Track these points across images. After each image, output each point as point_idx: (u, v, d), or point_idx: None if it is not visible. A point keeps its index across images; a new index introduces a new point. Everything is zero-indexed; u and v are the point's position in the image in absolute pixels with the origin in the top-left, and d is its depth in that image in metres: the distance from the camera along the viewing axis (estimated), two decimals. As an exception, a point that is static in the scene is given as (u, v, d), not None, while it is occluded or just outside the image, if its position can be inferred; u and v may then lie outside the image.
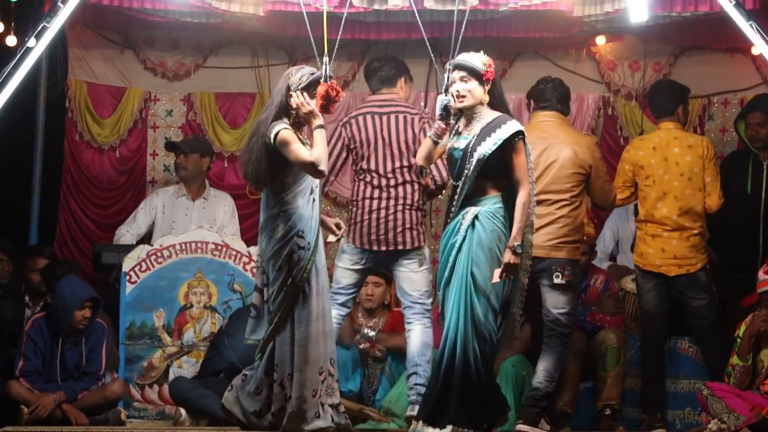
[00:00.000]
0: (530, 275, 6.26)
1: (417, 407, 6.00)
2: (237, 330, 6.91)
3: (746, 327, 6.47)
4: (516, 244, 5.50)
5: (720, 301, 6.97)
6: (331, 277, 6.29)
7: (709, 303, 6.83)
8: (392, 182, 6.30)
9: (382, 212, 6.27)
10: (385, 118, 6.37)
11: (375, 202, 6.28)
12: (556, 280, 6.37)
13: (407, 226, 6.27)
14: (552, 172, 6.41)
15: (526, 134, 5.67)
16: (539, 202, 6.26)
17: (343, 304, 6.39)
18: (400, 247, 6.29)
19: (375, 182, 6.31)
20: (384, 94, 6.49)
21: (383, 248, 6.30)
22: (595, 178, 6.54)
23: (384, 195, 6.28)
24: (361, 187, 6.35)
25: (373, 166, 6.32)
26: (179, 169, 8.09)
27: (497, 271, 5.49)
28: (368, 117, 6.40)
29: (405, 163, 6.31)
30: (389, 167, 6.30)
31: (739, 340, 6.53)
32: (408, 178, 6.31)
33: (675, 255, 6.76)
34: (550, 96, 6.60)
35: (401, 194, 6.29)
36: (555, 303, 6.40)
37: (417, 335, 6.36)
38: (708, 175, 6.82)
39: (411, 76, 6.65)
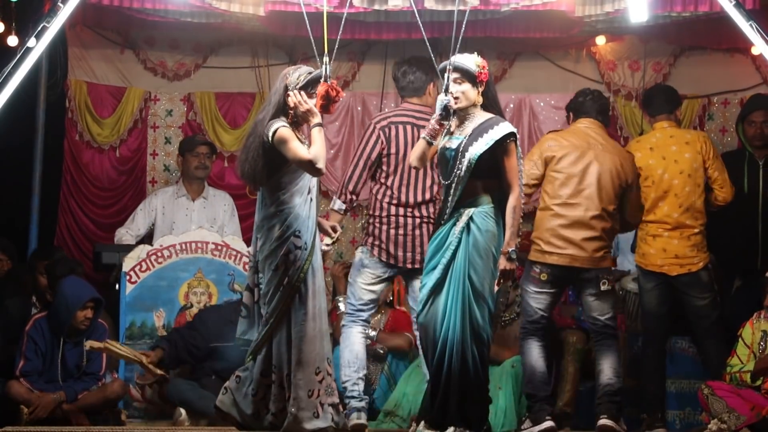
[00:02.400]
0: (574, 285, 6.48)
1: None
2: (202, 328, 7.03)
3: (759, 360, 6.44)
4: (510, 249, 5.49)
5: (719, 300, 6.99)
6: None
7: (711, 302, 6.83)
8: (419, 197, 6.22)
9: (409, 229, 6.21)
10: (423, 132, 6.28)
11: (401, 219, 6.22)
12: (603, 288, 6.46)
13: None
14: (601, 182, 6.44)
15: (517, 135, 5.65)
16: (590, 212, 6.37)
17: (366, 321, 6.32)
18: (419, 266, 6.18)
19: (402, 199, 6.22)
20: (417, 105, 6.37)
21: (410, 266, 6.24)
22: (632, 193, 6.59)
23: (409, 213, 6.22)
24: (384, 204, 6.25)
25: (404, 179, 6.23)
26: (200, 169, 8.07)
27: (495, 280, 5.50)
28: (408, 127, 6.30)
29: (430, 177, 6.24)
30: (419, 179, 6.22)
31: (740, 339, 6.53)
32: (433, 196, 6.26)
33: (676, 254, 6.76)
34: (590, 108, 6.65)
35: (424, 212, 6.23)
36: (602, 310, 6.48)
37: None
38: (715, 169, 6.82)
39: (438, 73, 6.57)
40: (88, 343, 6.76)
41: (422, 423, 5.61)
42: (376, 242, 6.25)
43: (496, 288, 5.51)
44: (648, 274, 6.85)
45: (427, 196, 6.25)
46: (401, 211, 6.24)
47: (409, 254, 6.23)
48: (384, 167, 6.31)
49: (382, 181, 6.31)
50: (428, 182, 6.26)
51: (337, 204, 6.32)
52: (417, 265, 6.21)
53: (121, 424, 6.82)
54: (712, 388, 6.46)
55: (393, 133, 6.30)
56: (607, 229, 6.47)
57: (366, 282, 6.28)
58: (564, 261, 6.36)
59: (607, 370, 6.44)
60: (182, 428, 6.78)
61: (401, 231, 6.23)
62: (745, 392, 6.39)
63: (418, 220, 6.23)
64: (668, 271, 6.77)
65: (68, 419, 6.67)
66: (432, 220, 6.21)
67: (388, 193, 6.28)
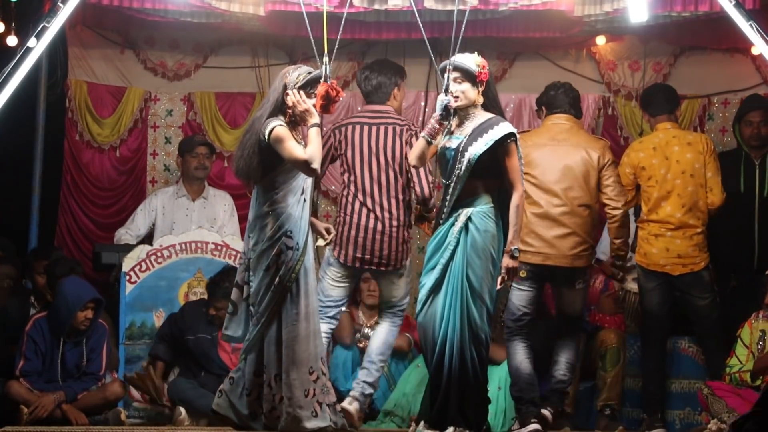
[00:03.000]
0: (549, 281, 6.45)
1: (355, 403, 6.19)
2: (180, 321, 7.12)
3: (758, 360, 6.43)
4: (513, 248, 5.49)
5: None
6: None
7: (712, 302, 6.85)
8: (377, 197, 6.26)
9: (370, 232, 6.24)
10: (374, 129, 6.34)
11: (363, 219, 6.26)
12: (578, 286, 6.48)
13: (393, 247, 6.26)
14: (569, 176, 6.42)
15: (518, 136, 5.65)
16: (561, 208, 6.35)
17: (332, 317, 6.36)
18: (384, 269, 6.30)
19: (361, 197, 6.28)
20: (377, 105, 6.44)
21: (371, 267, 6.31)
22: (606, 179, 6.53)
23: (372, 214, 6.26)
24: (349, 200, 6.32)
25: (359, 178, 6.29)
26: (199, 170, 8.06)
27: (499, 278, 5.50)
28: (357, 127, 6.37)
29: (391, 174, 6.27)
30: (375, 177, 6.27)
31: (739, 340, 6.53)
32: (393, 192, 6.28)
33: (679, 254, 6.77)
34: (562, 101, 6.62)
35: (387, 212, 6.25)
36: (573, 307, 6.52)
37: (382, 333, 6.41)
38: (709, 170, 6.84)
39: (405, 76, 6.58)
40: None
41: (422, 423, 5.61)
42: (337, 241, 6.28)
43: (499, 286, 5.51)
44: (649, 273, 6.86)
45: (385, 192, 6.26)
46: (364, 210, 6.27)
47: (368, 257, 6.25)
48: (341, 167, 6.39)
49: (344, 178, 6.39)
50: (383, 176, 6.28)
51: None
52: (377, 268, 6.27)
53: (121, 424, 6.82)
54: (712, 388, 6.46)
55: (344, 133, 6.37)
56: (581, 225, 6.43)
57: (332, 278, 6.35)
58: (538, 259, 6.37)
59: (562, 364, 6.48)
60: (182, 428, 6.78)
61: (361, 233, 6.26)
62: (745, 392, 6.39)
63: (380, 224, 6.24)
64: (671, 271, 6.78)
65: (68, 419, 6.67)
66: (398, 223, 6.25)
67: (350, 188, 6.32)
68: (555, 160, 6.45)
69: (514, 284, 6.36)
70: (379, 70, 6.48)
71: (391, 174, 6.28)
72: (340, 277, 6.34)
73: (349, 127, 6.39)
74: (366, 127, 6.36)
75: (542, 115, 6.75)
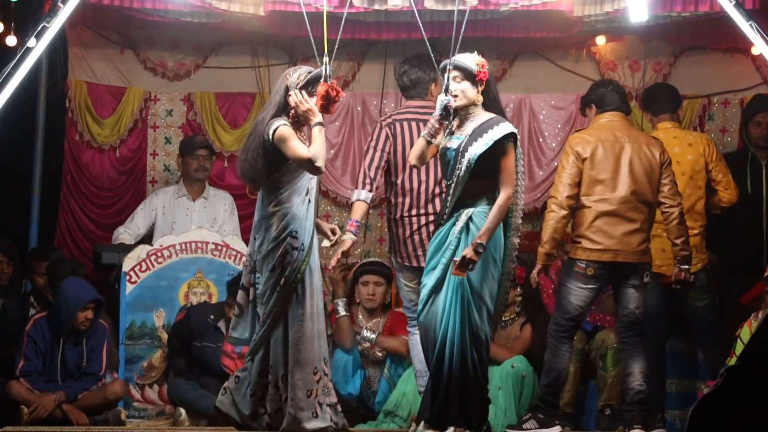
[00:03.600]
0: (615, 279, 6.31)
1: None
2: (187, 325, 7.11)
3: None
4: (479, 242, 5.42)
5: (720, 300, 6.98)
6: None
7: (710, 303, 6.84)
8: (430, 196, 6.20)
9: (423, 229, 6.17)
10: (423, 131, 6.27)
11: (414, 219, 6.19)
12: (645, 279, 6.33)
13: None
14: (634, 173, 6.29)
15: (518, 136, 5.62)
16: (627, 204, 6.24)
17: None
18: None
19: (415, 197, 6.19)
20: (419, 101, 6.36)
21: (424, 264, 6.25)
22: (664, 177, 6.41)
23: (422, 210, 6.19)
24: (398, 203, 6.23)
25: (414, 177, 6.19)
26: (199, 171, 8.06)
27: (454, 263, 5.41)
28: (413, 123, 6.27)
29: (436, 167, 6.20)
30: (431, 179, 6.20)
31: (739, 340, 6.53)
32: (442, 191, 6.22)
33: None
34: (613, 98, 6.49)
35: (438, 206, 6.16)
36: (638, 303, 6.33)
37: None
38: (719, 171, 6.82)
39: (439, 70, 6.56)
40: None
41: (422, 423, 5.62)
42: (396, 248, 6.26)
43: (454, 272, 5.40)
44: (647, 273, 6.85)
45: (437, 191, 6.20)
46: (414, 211, 6.21)
47: (422, 253, 6.16)
48: (392, 166, 6.29)
49: (393, 179, 6.29)
50: (439, 176, 6.18)
51: (363, 194, 6.22)
52: None
53: (121, 424, 6.82)
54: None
55: (398, 130, 6.28)
56: (645, 221, 6.31)
57: (407, 282, 6.28)
58: (608, 257, 6.23)
59: (637, 374, 6.28)
60: (182, 428, 6.79)
61: (415, 230, 6.19)
62: (745, 392, 6.38)
63: (432, 217, 6.16)
64: (666, 272, 6.76)
65: (68, 419, 6.67)
66: None
67: (400, 191, 6.24)
68: (620, 157, 6.29)
69: (577, 283, 6.26)
70: (418, 65, 6.37)
71: (433, 168, 6.20)
72: (411, 280, 6.25)
73: (405, 124, 6.28)
74: (421, 125, 6.12)
75: (590, 113, 6.61)
